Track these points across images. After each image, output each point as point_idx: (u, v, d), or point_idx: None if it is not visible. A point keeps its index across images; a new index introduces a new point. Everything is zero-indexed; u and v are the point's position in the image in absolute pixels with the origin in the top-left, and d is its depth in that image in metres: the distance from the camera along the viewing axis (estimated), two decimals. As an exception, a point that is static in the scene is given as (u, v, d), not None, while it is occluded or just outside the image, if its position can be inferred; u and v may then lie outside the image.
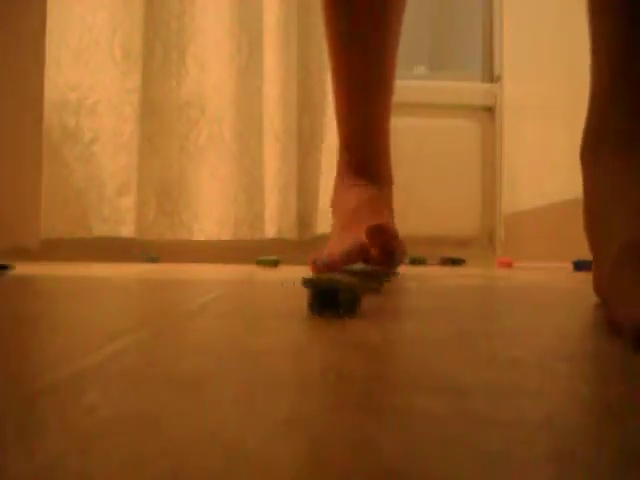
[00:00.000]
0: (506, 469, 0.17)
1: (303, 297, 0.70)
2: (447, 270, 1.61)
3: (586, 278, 1.19)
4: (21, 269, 1.34)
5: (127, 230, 2.11)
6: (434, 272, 1.52)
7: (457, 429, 0.21)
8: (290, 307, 0.61)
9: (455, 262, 1.93)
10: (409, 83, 2.37)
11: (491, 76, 2.43)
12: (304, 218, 2.21)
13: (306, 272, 1.30)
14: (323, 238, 2.22)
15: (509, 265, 1.84)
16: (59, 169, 2.06)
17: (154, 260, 2.07)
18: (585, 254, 1.73)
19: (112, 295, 0.77)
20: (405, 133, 2.35)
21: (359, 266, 0.92)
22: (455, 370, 0.30)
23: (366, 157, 1.22)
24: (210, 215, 2.15)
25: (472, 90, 2.40)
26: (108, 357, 0.33)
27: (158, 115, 2.14)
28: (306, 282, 0.52)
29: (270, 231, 2.15)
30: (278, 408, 0.23)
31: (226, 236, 2.15)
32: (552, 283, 1.06)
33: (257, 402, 0.24)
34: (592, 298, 0.73)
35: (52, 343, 0.38)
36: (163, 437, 0.19)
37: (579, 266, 1.57)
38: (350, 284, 0.51)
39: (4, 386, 0.26)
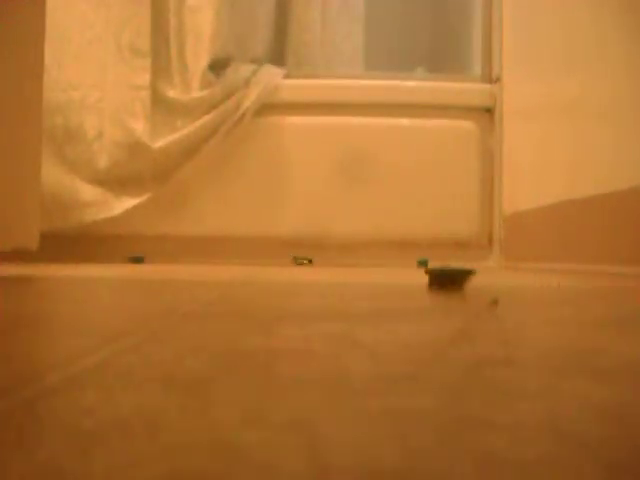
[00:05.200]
0: (505, 470, 0.17)
1: (301, 298, 0.70)
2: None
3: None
4: (21, 269, 1.34)
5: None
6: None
7: (456, 430, 0.21)
8: (289, 307, 0.61)
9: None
10: (408, 84, 2.37)
11: (490, 77, 2.43)
12: None
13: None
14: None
15: None
16: (59, 166, 2.07)
17: (139, 261, 2.09)
18: (588, 254, 1.72)
19: (111, 295, 0.77)
20: (405, 134, 2.35)
21: None
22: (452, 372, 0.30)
23: None
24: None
25: (471, 91, 2.40)
26: (107, 358, 0.33)
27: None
28: None
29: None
30: (278, 408, 0.23)
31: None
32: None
33: (256, 402, 0.24)
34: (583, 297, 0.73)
35: (52, 343, 0.38)
36: (162, 438, 0.19)
37: None
38: None
39: (5, 386, 0.26)
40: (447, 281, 0.89)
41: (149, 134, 2.10)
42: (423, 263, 2.05)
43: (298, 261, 2.05)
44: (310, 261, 2.07)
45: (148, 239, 2.18)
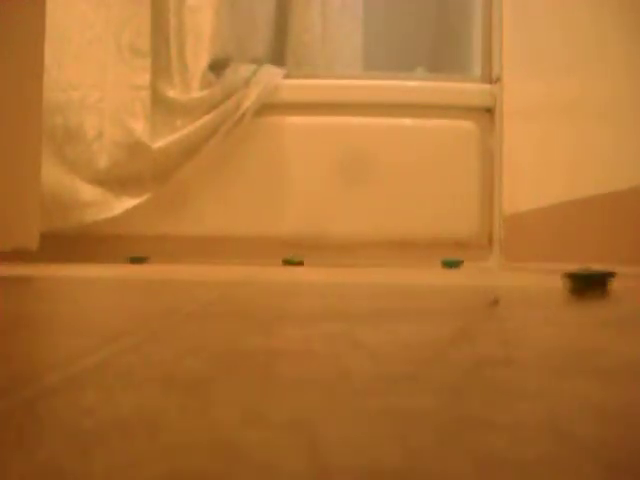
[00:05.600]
0: (505, 470, 0.17)
1: (301, 298, 0.70)
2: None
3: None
4: (21, 269, 1.34)
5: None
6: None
7: (456, 430, 0.21)
8: (289, 307, 0.61)
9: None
10: (408, 84, 2.37)
11: (490, 77, 2.43)
12: None
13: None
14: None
15: None
16: (59, 166, 2.07)
17: (141, 261, 2.09)
18: (588, 254, 1.72)
19: (111, 295, 0.77)
20: (404, 134, 2.35)
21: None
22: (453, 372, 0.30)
23: None
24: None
25: (471, 91, 2.40)
26: (107, 358, 0.33)
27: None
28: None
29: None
30: (278, 408, 0.23)
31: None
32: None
33: (256, 402, 0.24)
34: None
35: (52, 343, 0.38)
36: (162, 438, 0.19)
37: None
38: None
39: (5, 386, 0.26)
40: (588, 285, 0.79)
41: (149, 134, 2.10)
42: (450, 264, 1.96)
43: (290, 261, 2.05)
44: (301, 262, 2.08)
45: (148, 239, 2.18)
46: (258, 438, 0.19)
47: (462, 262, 1.97)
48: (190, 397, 0.25)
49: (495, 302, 0.67)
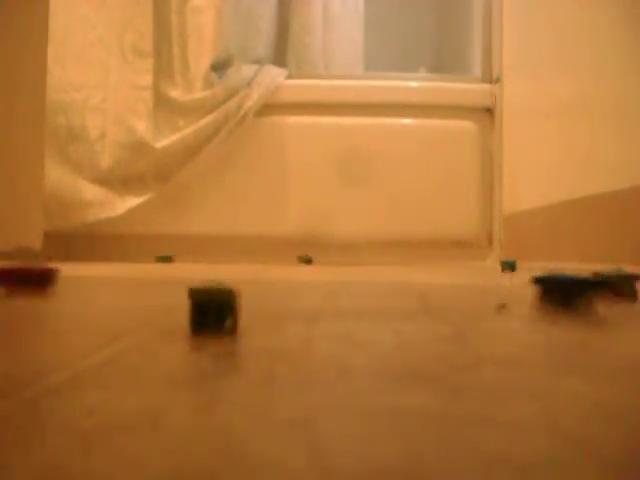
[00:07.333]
0: (505, 469, 0.17)
1: (302, 297, 0.70)
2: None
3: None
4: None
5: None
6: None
7: (456, 430, 0.21)
8: (290, 306, 0.61)
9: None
10: (409, 84, 2.37)
11: (490, 77, 2.42)
12: None
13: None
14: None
15: None
16: (62, 166, 2.07)
17: (167, 260, 2.07)
18: (588, 254, 1.72)
19: (114, 294, 0.77)
20: (405, 133, 2.34)
21: None
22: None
23: None
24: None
25: (471, 91, 2.39)
26: (108, 358, 0.33)
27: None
28: None
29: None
30: (279, 407, 0.23)
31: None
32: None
33: (257, 402, 0.24)
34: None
35: (55, 343, 0.38)
36: (163, 437, 0.20)
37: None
38: None
39: (6, 386, 0.26)
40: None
41: (152, 134, 2.10)
42: (508, 265, 1.72)
43: (304, 259, 2.07)
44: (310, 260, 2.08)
45: (150, 238, 2.18)
46: (260, 437, 0.20)
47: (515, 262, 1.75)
48: (193, 396, 0.25)
49: (502, 306, 0.68)
